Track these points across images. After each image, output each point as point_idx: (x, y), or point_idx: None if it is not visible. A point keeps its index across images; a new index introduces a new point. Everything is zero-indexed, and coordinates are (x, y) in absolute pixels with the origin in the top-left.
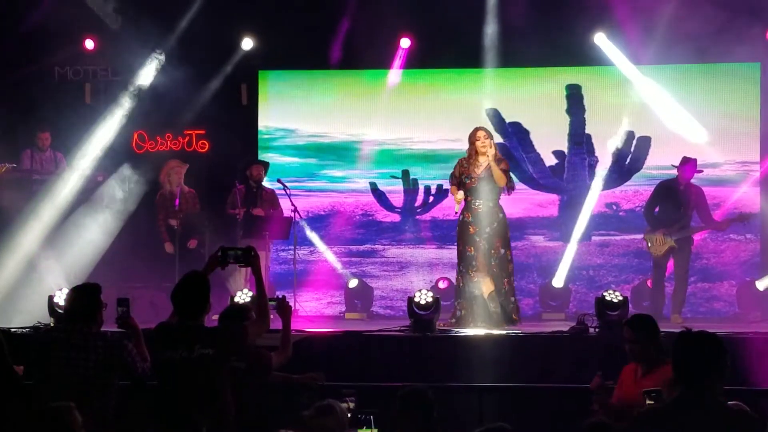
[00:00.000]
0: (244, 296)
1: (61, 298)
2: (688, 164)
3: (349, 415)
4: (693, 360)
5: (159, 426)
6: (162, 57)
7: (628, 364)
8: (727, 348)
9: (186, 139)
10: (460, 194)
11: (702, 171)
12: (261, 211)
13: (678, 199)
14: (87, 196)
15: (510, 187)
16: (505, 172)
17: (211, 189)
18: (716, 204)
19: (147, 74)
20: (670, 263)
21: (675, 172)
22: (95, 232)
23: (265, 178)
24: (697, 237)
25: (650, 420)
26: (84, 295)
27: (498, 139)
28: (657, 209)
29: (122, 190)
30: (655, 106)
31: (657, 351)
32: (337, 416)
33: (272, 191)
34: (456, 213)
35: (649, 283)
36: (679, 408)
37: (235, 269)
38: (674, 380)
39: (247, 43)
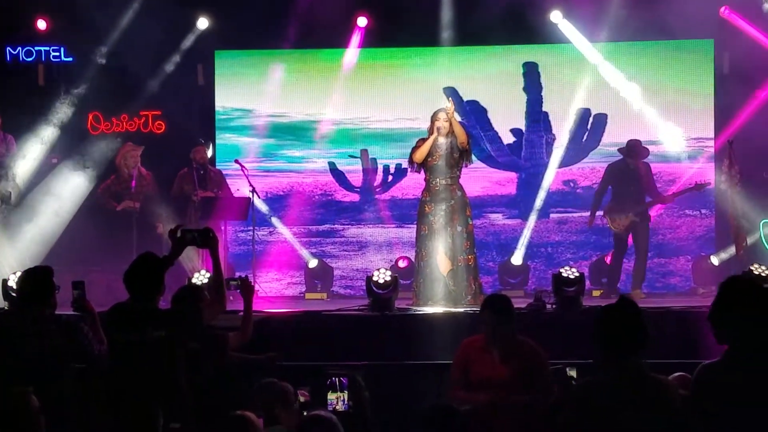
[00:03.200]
0: (201, 277)
1: (15, 282)
2: (632, 149)
3: (304, 412)
4: (625, 331)
5: (115, 409)
6: (104, 50)
7: (466, 340)
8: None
9: (142, 120)
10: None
11: (648, 151)
12: (210, 193)
13: (630, 178)
14: (41, 178)
15: (468, 159)
16: (468, 144)
17: (168, 170)
18: (671, 180)
19: (101, 55)
20: (630, 239)
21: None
22: (50, 215)
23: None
24: (653, 213)
25: (586, 394)
26: (35, 277)
27: (457, 118)
28: (611, 190)
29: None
30: (611, 83)
31: (514, 333)
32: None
33: (219, 171)
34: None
35: (606, 259)
36: (615, 380)
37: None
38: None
39: (203, 23)
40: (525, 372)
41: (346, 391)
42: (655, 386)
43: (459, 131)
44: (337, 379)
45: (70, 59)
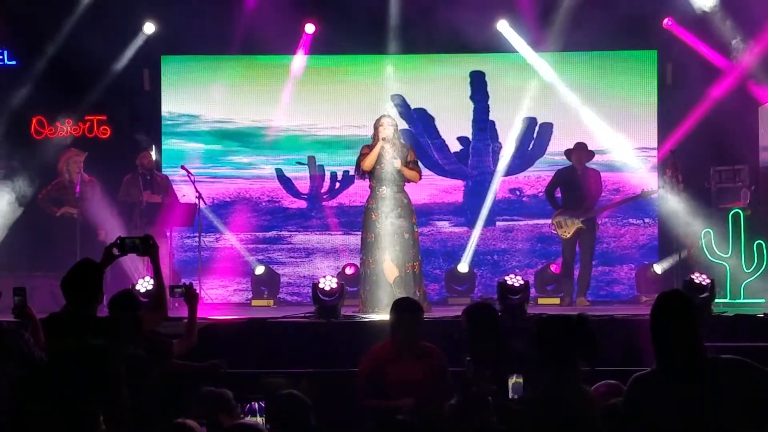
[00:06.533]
0: (146, 284)
1: None
2: (579, 151)
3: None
4: (564, 346)
5: (55, 417)
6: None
7: (374, 347)
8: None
9: (87, 125)
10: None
11: (594, 154)
12: (157, 198)
13: (578, 184)
14: None
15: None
16: (414, 163)
17: (112, 176)
18: (616, 189)
19: (46, 58)
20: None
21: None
22: None
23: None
24: (598, 221)
25: (533, 409)
26: None
27: (403, 125)
28: (559, 195)
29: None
30: (556, 92)
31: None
32: None
33: (166, 177)
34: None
35: (553, 267)
36: (554, 395)
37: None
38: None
39: (149, 28)
40: (433, 374)
41: (265, 416)
42: (585, 399)
43: (411, 175)
44: (256, 403)
45: (14, 63)
